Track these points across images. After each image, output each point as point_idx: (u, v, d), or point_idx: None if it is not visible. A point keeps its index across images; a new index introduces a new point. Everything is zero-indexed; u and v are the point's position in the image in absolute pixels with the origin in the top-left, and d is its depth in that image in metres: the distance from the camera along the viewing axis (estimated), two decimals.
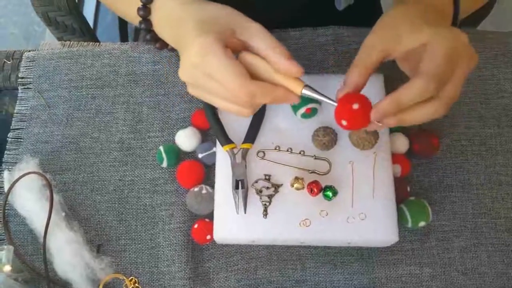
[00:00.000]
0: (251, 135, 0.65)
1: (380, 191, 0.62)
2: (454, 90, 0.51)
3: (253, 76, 0.53)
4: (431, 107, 0.51)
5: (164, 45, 0.66)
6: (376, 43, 0.54)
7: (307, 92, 0.53)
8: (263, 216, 0.62)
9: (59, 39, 0.92)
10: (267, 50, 0.53)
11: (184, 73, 0.55)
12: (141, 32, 0.63)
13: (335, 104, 0.53)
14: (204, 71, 0.52)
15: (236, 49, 0.54)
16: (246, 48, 0.54)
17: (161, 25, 0.61)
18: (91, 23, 1.06)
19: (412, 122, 0.53)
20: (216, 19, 0.54)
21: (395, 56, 0.55)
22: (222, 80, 0.51)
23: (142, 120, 0.72)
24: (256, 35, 0.54)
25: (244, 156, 0.64)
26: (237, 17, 0.55)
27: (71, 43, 0.79)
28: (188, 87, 0.57)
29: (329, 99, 0.54)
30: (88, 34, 0.92)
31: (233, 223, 0.62)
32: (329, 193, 0.60)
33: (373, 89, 0.59)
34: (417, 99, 0.50)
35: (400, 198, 0.64)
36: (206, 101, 0.57)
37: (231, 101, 0.54)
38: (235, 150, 0.64)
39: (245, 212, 0.62)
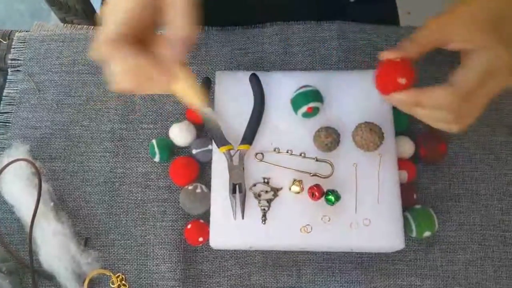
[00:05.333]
0: (249, 135, 0.57)
1: (386, 195, 0.55)
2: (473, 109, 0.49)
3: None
4: (446, 123, 0.50)
5: None
6: (435, 32, 0.51)
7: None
8: (262, 221, 0.54)
9: (61, 20, 0.85)
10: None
11: None
12: None
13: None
14: None
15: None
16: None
17: None
18: (95, 5, 0.99)
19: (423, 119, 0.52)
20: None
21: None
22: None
23: (135, 110, 0.65)
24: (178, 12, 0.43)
25: (241, 158, 0.56)
26: None
27: (65, 25, 0.70)
28: None
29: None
30: (92, 16, 0.85)
31: (230, 229, 0.55)
32: (332, 198, 0.53)
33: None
34: (435, 107, 0.49)
35: (406, 205, 0.56)
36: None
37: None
38: (232, 152, 0.56)
39: (242, 218, 0.54)
